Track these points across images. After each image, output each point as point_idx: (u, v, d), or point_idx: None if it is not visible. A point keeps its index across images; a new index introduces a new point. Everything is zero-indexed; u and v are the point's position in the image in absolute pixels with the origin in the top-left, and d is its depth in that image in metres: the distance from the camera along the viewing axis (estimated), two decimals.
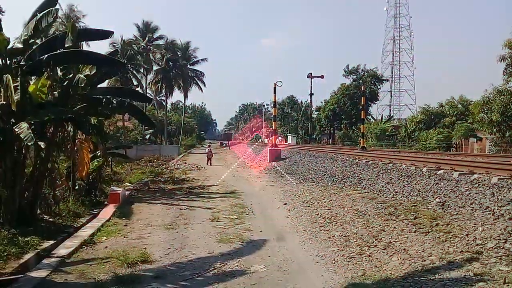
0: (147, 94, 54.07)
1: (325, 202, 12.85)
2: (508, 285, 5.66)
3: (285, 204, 13.90)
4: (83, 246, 9.00)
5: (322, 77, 73.78)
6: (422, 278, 6.36)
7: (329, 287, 6.56)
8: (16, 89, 9.75)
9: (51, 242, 9.15)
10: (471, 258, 6.79)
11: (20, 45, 10.51)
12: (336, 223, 10.26)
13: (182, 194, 17.57)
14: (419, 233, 8.32)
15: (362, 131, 37.82)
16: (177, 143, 61.92)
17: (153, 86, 62.27)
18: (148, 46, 58.16)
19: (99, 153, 16.44)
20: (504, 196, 9.15)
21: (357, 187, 14.64)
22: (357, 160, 20.42)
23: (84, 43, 21.01)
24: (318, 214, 11.49)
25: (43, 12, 10.45)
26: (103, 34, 11.90)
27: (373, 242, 8.46)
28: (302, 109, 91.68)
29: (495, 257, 6.68)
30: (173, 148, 52.47)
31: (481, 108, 32.14)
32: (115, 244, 9.19)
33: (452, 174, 12.14)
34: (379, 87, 77.28)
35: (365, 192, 13.63)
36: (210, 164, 34.94)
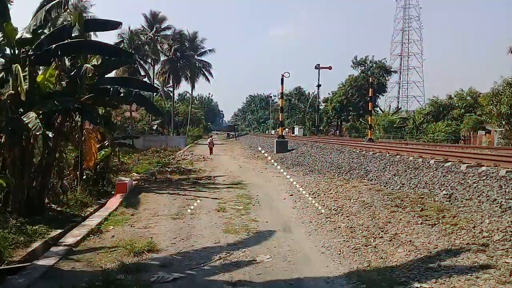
0: (155, 85, 54.07)
1: (331, 193, 12.85)
2: None
3: (291, 195, 13.91)
4: (90, 235, 9.07)
5: (330, 68, 73.50)
6: (428, 269, 6.36)
7: (334, 277, 6.57)
8: (24, 79, 9.80)
9: (59, 231, 9.24)
10: (478, 250, 6.77)
11: (28, 35, 10.53)
12: (342, 215, 10.26)
13: (188, 184, 17.63)
14: (425, 225, 8.31)
15: (369, 123, 37.60)
16: (184, 134, 62.04)
17: (161, 77, 62.26)
18: (156, 37, 58.03)
19: (107, 143, 16.55)
20: (511, 189, 9.09)
21: (364, 179, 14.61)
22: (364, 152, 20.35)
23: (92, 33, 21.02)
24: (324, 205, 11.49)
25: (52, 2, 10.45)
26: (111, 25, 11.89)
27: (379, 233, 8.45)
28: (310, 100, 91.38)
29: (501, 249, 6.66)
30: (180, 139, 52.57)
31: (490, 100, 31.85)
32: (122, 233, 9.27)
33: (460, 167, 12.07)
34: (387, 78, 76.86)
35: (372, 184, 13.60)
36: (211, 153, 35.63)
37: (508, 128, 32.24)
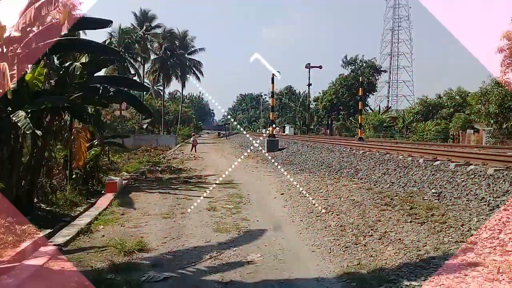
0: (145, 83, 53.83)
1: (321, 192, 12.90)
2: (502, 275, 5.71)
3: (282, 194, 13.93)
4: (80, 235, 9.02)
5: (320, 67, 73.50)
6: (417, 267, 6.42)
7: (324, 276, 6.60)
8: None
9: (48, 230, 9.15)
10: (466, 248, 6.85)
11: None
12: (332, 213, 10.31)
13: (179, 183, 17.59)
14: (414, 223, 8.38)
15: (359, 122, 37.80)
16: (175, 133, 61.85)
17: (151, 75, 61.98)
18: (146, 35, 57.77)
19: (96, 142, 16.44)
20: (499, 187, 9.22)
21: (354, 178, 14.69)
22: (354, 151, 20.47)
23: (81, 31, 20.83)
24: (314, 204, 11.53)
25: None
26: (101, 23, 11.79)
27: (369, 232, 8.50)
28: (300, 99, 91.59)
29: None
30: (171, 138, 52.44)
31: (478, 99, 32.17)
32: (112, 233, 9.22)
33: (449, 165, 12.20)
34: (377, 78, 77.42)
35: (362, 182, 13.68)
36: (195, 151, 36.54)
37: (496, 127, 32.60)
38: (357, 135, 37.09)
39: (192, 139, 40.51)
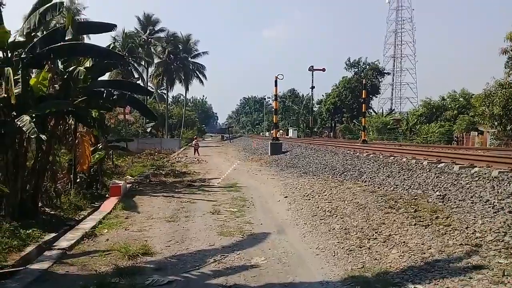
0: (148, 87, 54.08)
1: (325, 195, 12.87)
2: (507, 278, 5.69)
3: (286, 197, 13.92)
4: (85, 239, 9.03)
5: (323, 70, 73.72)
6: (422, 270, 6.40)
7: (328, 279, 6.58)
8: (17, 82, 9.76)
9: (53, 234, 9.19)
10: (471, 251, 6.83)
11: (21, 38, 10.49)
12: (336, 216, 10.29)
13: (183, 187, 17.61)
14: (419, 226, 8.35)
15: (363, 124, 37.76)
16: (178, 136, 61.94)
17: (154, 79, 62.20)
18: (149, 39, 58.03)
19: (100, 146, 16.49)
20: (504, 190, 9.16)
21: (358, 181, 14.66)
22: (358, 154, 20.43)
23: (85, 36, 20.93)
24: (318, 207, 11.52)
25: (46, 5, 10.41)
26: (105, 27, 11.86)
27: (373, 235, 8.48)
28: (304, 102, 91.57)
29: (494, 250, 6.72)
30: (174, 141, 52.53)
31: (482, 101, 31.99)
32: (116, 237, 9.23)
33: (453, 168, 12.15)
34: (380, 80, 77.22)
35: (366, 185, 13.65)
36: (199, 154, 37.38)
37: (500, 129, 32.39)
38: (361, 137, 37.01)
39: (194, 142, 40.83)
